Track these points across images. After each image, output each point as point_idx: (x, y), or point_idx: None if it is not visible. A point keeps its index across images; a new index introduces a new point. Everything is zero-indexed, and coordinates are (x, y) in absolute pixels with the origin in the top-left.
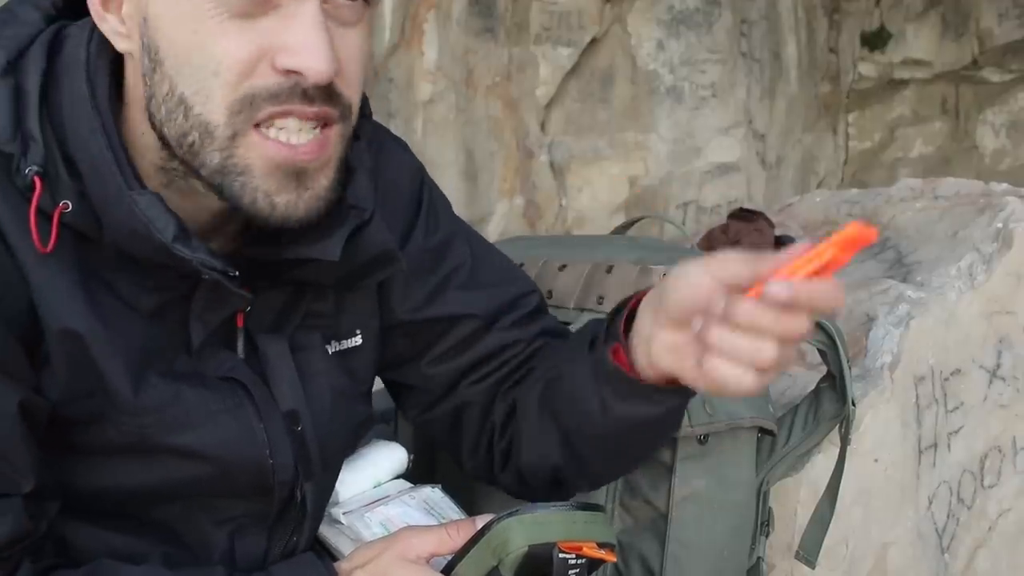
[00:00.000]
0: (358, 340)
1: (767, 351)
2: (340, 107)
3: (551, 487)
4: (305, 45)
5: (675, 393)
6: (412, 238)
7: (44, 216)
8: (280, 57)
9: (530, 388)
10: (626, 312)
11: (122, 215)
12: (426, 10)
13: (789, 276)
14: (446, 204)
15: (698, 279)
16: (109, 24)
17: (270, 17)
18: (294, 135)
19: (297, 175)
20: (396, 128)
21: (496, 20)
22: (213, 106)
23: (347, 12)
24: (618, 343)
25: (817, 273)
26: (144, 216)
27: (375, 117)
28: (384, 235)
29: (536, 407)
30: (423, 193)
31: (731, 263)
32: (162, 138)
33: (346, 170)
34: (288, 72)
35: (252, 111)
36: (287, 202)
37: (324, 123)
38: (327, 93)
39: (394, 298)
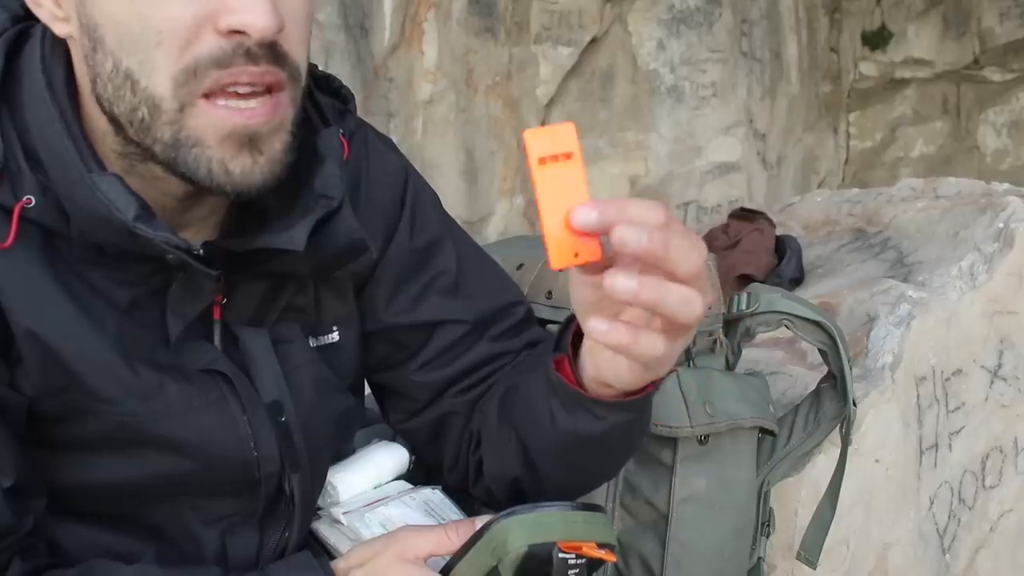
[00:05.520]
0: (335, 336)
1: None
2: (287, 68)
3: (514, 500)
4: (246, 1)
5: (620, 408)
6: (396, 238)
7: (5, 212)
8: (222, 17)
9: (492, 396)
10: (574, 326)
11: (84, 200)
12: (426, 9)
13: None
14: (435, 205)
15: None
16: (45, 9)
17: None
18: (243, 102)
19: (251, 140)
20: (396, 128)
21: (496, 19)
22: (159, 79)
23: None
24: (564, 355)
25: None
26: (105, 198)
27: (375, 117)
28: (353, 224)
29: (496, 415)
30: (407, 192)
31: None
32: (113, 120)
33: (315, 157)
34: (231, 33)
35: (197, 81)
36: (243, 168)
37: (271, 88)
38: (272, 53)
39: (378, 302)
